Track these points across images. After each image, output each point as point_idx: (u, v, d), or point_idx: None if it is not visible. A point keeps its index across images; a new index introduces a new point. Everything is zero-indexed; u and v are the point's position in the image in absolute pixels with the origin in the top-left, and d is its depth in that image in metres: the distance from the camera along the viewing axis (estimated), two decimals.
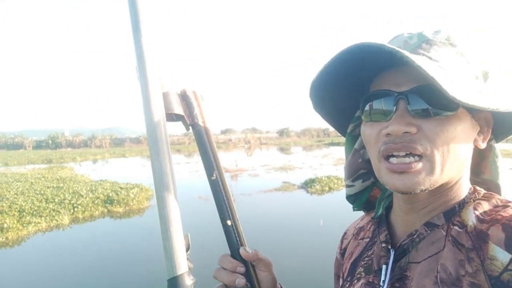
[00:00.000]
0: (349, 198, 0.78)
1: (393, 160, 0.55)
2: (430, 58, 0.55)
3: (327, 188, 13.06)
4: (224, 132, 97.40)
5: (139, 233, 8.55)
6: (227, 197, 0.70)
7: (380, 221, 0.69)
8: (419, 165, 0.53)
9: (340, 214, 9.13)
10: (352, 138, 0.74)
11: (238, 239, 0.70)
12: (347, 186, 0.76)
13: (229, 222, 0.69)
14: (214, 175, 0.69)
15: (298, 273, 5.40)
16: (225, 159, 26.09)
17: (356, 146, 0.73)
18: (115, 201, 11.51)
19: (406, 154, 0.54)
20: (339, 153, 33.55)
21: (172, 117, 0.68)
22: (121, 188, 13.39)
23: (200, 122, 0.70)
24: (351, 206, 0.80)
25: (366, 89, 0.63)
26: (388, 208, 0.70)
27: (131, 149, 62.99)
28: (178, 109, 0.67)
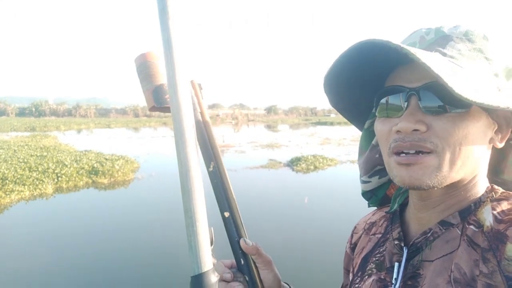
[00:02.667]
0: (365, 194, 0.77)
1: (403, 155, 0.55)
2: (444, 54, 0.54)
3: (312, 167, 13.14)
4: (211, 107, 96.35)
5: (124, 204, 8.56)
6: (225, 189, 0.69)
7: (393, 217, 0.69)
8: (427, 159, 0.53)
9: (324, 193, 9.22)
10: (369, 134, 0.74)
11: (237, 231, 0.69)
12: (363, 182, 0.75)
13: (226, 214, 0.69)
14: (212, 166, 0.69)
15: (281, 248, 5.53)
16: None
17: (374, 142, 0.73)
18: (100, 172, 11.39)
19: (416, 152, 0.54)
20: (326, 132, 33.75)
21: (169, 109, 0.68)
22: (106, 159, 13.26)
23: (198, 113, 0.69)
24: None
25: (381, 84, 0.62)
26: (403, 206, 0.69)
27: (116, 120, 62.07)
28: None
